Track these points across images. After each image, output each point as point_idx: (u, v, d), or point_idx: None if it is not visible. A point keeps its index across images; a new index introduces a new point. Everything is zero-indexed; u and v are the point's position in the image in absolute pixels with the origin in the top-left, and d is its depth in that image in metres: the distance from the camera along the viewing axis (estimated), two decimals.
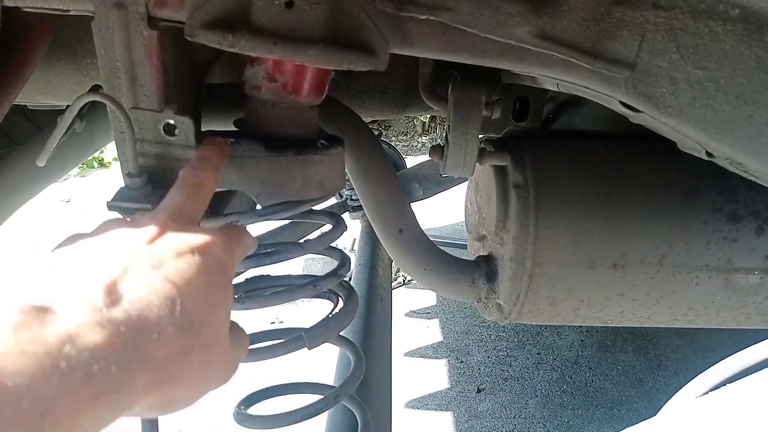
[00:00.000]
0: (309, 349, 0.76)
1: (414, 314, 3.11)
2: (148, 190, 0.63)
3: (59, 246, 0.46)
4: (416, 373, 2.61)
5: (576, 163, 1.00)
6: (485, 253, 1.14)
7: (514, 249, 0.98)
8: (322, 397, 0.84)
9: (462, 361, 2.71)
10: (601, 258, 0.98)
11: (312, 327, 0.78)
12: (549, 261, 0.98)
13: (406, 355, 2.75)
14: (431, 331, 2.95)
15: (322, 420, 1.22)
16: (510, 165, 0.99)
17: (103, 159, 5.97)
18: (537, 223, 0.96)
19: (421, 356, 2.76)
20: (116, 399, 0.35)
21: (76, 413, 0.32)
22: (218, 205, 0.68)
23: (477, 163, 0.98)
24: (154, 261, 0.43)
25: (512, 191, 0.98)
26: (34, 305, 0.34)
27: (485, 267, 1.10)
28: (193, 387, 0.45)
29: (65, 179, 5.36)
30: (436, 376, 2.60)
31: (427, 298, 3.21)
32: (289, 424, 0.80)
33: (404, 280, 3.35)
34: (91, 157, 5.61)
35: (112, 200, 0.62)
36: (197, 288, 0.44)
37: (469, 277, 1.10)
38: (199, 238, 0.49)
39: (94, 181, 5.61)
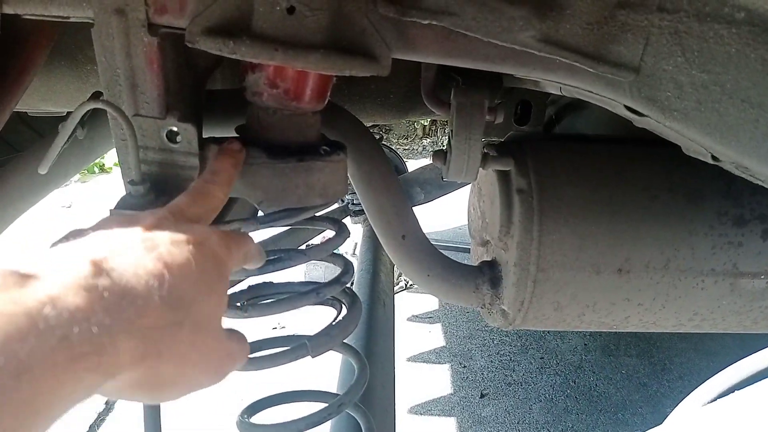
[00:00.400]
0: (312, 357, 0.75)
1: (416, 319, 3.10)
2: (151, 198, 0.63)
3: (58, 241, 0.46)
4: (419, 378, 2.60)
5: (579, 167, 0.99)
6: (489, 259, 1.13)
7: (518, 254, 0.98)
8: (325, 405, 0.83)
9: (465, 366, 2.70)
10: (606, 263, 0.97)
11: (315, 335, 0.77)
12: (553, 266, 0.97)
13: (408, 360, 2.74)
14: (434, 336, 2.94)
15: (325, 428, 1.22)
16: (513, 170, 0.99)
17: (104, 164, 5.97)
18: (541, 228, 0.96)
19: (424, 361, 2.75)
20: (98, 362, 0.34)
21: (54, 374, 0.32)
22: (220, 212, 0.68)
23: (480, 168, 0.97)
24: (148, 244, 0.43)
25: (516, 196, 0.97)
26: (16, 271, 0.34)
27: (489, 272, 1.09)
28: (182, 370, 0.43)
29: (66, 185, 5.35)
30: (439, 381, 2.59)
31: (430, 302, 3.20)
32: None
33: (406, 284, 3.35)
34: (92, 163, 5.61)
35: (115, 208, 0.61)
36: (188, 270, 0.44)
37: (472, 282, 1.09)
38: (195, 231, 0.49)
39: (95, 187, 5.61)
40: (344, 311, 0.85)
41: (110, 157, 5.82)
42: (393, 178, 1.02)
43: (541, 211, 0.96)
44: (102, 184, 5.69)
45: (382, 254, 2.13)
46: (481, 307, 1.12)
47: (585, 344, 2.82)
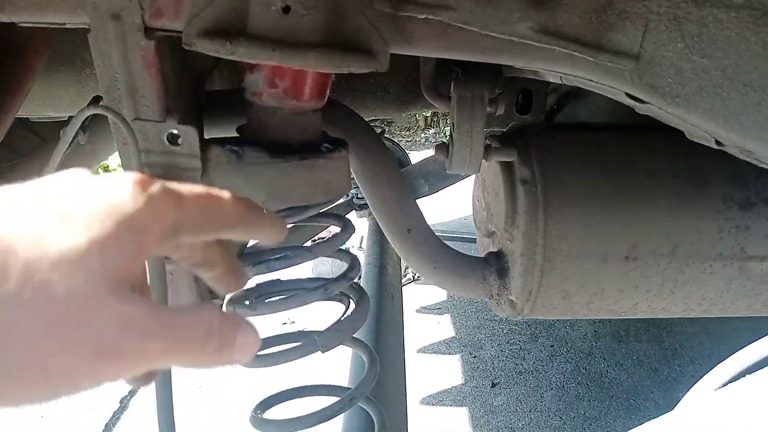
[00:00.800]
0: (322, 352, 0.76)
1: (425, 310, 3.10)
2: None
3: None
4: (430, 369, 2.61)
5: (583, 155, 0.99)
6: (495, 249, 1.13)
7: (524, 245, 0.97)
8: (337, 399, 0.83)
9: (475, 356, 2.70)
10: (613, 250, 0.97)
11: (325, 330, 0.78)
12: (560, 255, 0.97)
13: (418, 351, 2.74)
14: (443, 327, 2.95)
15: (338, 421, 1.23)
16: (516, 160, 0.98)
17: (108, 165, 5.99)
18: (546, 218, 0.95)
19: (434, 352, 2.75)
20: None
21: None
22: None
23: (483, 160, 0.97)
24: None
25: (520, 187, 0.97)
26: None
27: (496, 263, 1.09)
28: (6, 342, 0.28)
29: None
30: (449, 372, 2.60)
31: (438, 293, 3.20)
32: (305, 428, 0.80)
33: (414, 276, 3.35)
34: (96, 166, 5.62)
35: None
36: (15, 208, 0.32)
37: (479, 274, 1.09)
38: (99, 179, 0.36)
39: None
40: (352, 306, 0.86)
41: (114, 158, 5.84)
42: (396, 172, 1.02)
43: (545, 201, 0.95)
44: None
45: (388, 247, 2.14)
46: (489, 298, 1.12)
47: (595, 331, 2.81)
